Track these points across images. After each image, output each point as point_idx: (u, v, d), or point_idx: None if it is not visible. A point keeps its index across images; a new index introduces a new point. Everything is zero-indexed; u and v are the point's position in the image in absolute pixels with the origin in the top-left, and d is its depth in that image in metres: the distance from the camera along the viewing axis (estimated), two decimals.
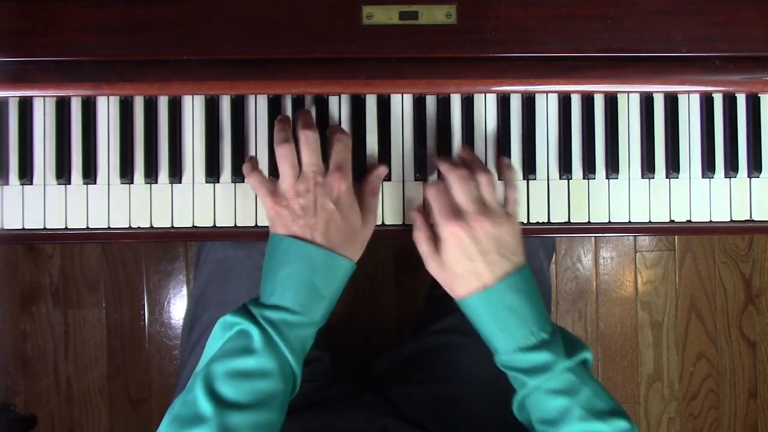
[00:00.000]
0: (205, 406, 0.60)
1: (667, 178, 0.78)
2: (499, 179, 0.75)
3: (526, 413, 0.68)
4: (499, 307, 0.66)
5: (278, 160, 0.68)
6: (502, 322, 0.66)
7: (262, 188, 0.69)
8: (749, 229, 0.79)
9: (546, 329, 0.67)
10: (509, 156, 0.76)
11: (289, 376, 0.65)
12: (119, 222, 0.76)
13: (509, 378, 0.69)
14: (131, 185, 0.76)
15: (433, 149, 0.77)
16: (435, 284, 0.93)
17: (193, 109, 0.76)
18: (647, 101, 0.78)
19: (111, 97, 0.76)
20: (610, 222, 0.77)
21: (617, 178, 0.77)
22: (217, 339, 0.65)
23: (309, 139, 0.68)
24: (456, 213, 0.67)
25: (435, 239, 0.70)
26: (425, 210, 0.73)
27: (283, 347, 0.63)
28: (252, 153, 0.76)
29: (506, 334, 0.66)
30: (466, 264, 0.66)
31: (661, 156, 0.78)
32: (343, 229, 0.67)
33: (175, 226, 0.76)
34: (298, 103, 0.76)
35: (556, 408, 0.64)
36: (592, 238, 1.62)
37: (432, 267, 0.69)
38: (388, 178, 0.76)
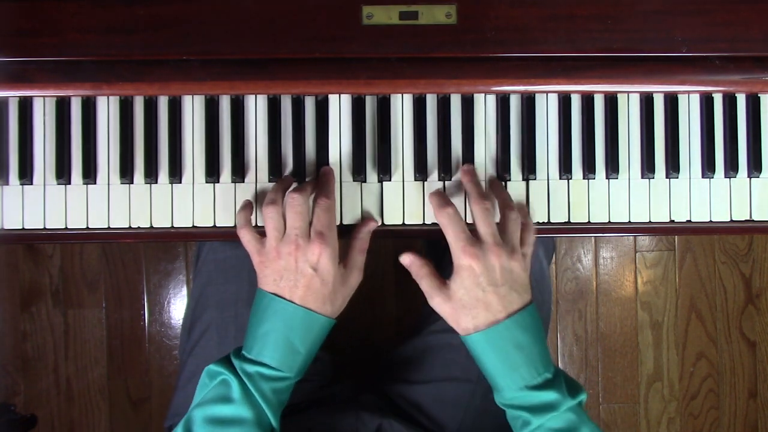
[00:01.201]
0: None
1: (667, 178, 0.78)
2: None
3: None
4: (507, 344, 0.66)
5: (264, 221, 0.69)
6: (509, 359, 0.66)
7: (250, 245, 0.70)
8: (749, 229, 0.79)
9: (550, 369, 0.68)
10: (509, 156, 0.76)
11: (267, 426, 0.67)
12: (119, 222, 0.76)
13: (508, 417, 0.69)
14: (131, 185, 0.76)
15: (433, 149, 0.77)
16: None
17: (193, 109, 0.76)
18: (647, 101, 0.77)
19: (111, 97, 0.76)
20: (610, 222, 0.78)
21: (617, 178, 0.77)
22: (203, 387, 0.69)
23: (294, 202, 0.68)
24: (473, 242, 0.68)
25: (436, 274, 0.71)
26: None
27: (259, 399, 0.66)
28: (252, 153, 0.76)
29: (513, 371, 0.66)
30: (477, 293, 0.67)
31: (661, 156, 0.78)
32: (322, 292, 0.68)
33: (175, 226, 0.76)
34: (298, 103, 0.76)
35: None
36: (592, 238, 1.62)
37: (437, 301, 0.70)
38: (388, 179, 0.76)
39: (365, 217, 0.76)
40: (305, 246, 0.67)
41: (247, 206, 0.73)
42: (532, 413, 0.66)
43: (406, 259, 0.72)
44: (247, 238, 0.70)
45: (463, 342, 0.70)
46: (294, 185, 0.74)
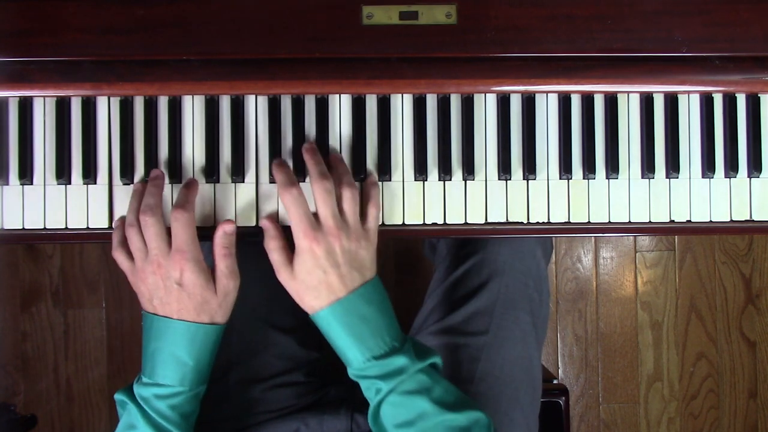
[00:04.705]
0: None
1: (667, 178, 0.78)
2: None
3: (381, 423, 0.70)
4: (351, 317, 0.68)
5: (129, 242, 0.71)
6: (355, 331, 0.68)
7: (124, 266, 0.72)
8: (749, 229, 0.79)
9: (397, 338, 0.70)
10: (509, 156, 0.76)
11: None
12: None
13: (362, 388, 0.70)
14: (131, 185, 0.76)
15: (433, 149, 0.77)
16: (434, 285, 0.93)
17: (193, 109, 0.76)
18: (647, 101, 0.78)
19: (111, 97, 0.76)
20: (610, 222, 0.77)
21: (617, 178, 0.77)
22: (120, 416, 0.72)
23: (146, 225, 0.69)
24: (314, 226, 0.68)
25: (287, 248, 0.71)
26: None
27: (159, 419, 0.69)
28: (252, 153, 0.76)
29: (360, 343, 0.68)
30: (319, 275, 0.68)
31: (661, 156, 0.78)
32: (193, 305, 0.69)
33: None
34: (298, 103, 0.76)
35: (413, 408, 0.67)
36: (592, 238, 1.62)
37: (283, 277, 0.70)
38: (388, 178, 0.76)
39: (219, 221, 0.75)
40: (167, 264, 0.69)
41: (120, 227, 0.73)
42: (382, 379, 0.68)
43: (265, 222, 0.72)
44: (120, 260, 0.72)
45: (311, 319, 0.71)
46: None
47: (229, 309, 0.73)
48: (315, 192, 0.69)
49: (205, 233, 0.76)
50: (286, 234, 0.72)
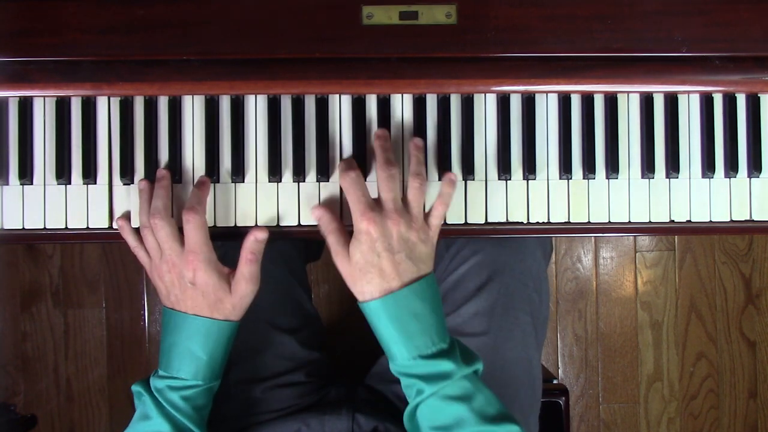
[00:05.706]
0: None
1: (667, 178, 0.78)
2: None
3: (417, 423, 0.69)
4: (403, 312, 0.67)
5: (144, 242, 0.73)
6: (404, 327, 0.67)
7: (143, 263, 0.75)
8: (749, 229, 0.79)
9: (445, 339, 0.68)
10: (509, 156, 0.76)
11: None
12: None
13: (403, 386, 0.69)
14: (131, 185, 0.76)
15: (433, 149, 0.77)
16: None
17: (193, 109, 0.76)
18: (647, 101, 0.78)
19: (111, 97, 0.76)
20: (610, 222, 0.77)
21: (617, 178, 0.77)
22: (136, 407, 0.74)
23: (157, 228, 0.71)
24: (372, 207, 0.68)
25: (344, 231, 0.71)
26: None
27: (171, 410, 0.70)
28: (252, 153, 0.76)
29: (408, 340, 0.67)
30: (372, 258, 0.67)
31: (661, 156, 0.78)
32: (206, 302, 0.71)
33: None
34: (298, 103, 0.76)
35: (452, 414, 0.66)
36: (592, 238, 1.62)
37: (338, 259, 0.70)
38: None
39: (253, 227, 0.75)
40: (180, 264, 0.70)
41: (123, 226, 0.75)
42: (426, 381, 0.66)
43: (316, 212, 0.72)
44: (140, 256, 0.74)
45: (360, 309, 0.70)
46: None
47: (243, 309, 0.74)
48: (379, 176, 0.70)
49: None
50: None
